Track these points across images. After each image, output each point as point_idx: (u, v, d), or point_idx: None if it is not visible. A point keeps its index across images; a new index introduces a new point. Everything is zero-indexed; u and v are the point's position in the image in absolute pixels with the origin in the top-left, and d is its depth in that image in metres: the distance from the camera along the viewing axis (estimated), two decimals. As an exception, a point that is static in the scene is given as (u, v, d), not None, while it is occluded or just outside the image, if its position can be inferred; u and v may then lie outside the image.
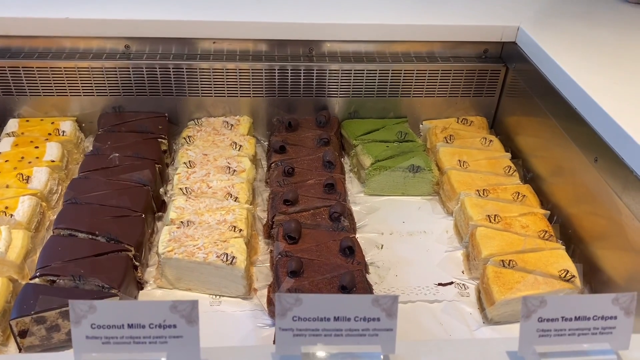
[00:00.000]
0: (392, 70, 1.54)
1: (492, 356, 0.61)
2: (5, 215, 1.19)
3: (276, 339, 0.60)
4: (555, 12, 1.58)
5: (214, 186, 1.31)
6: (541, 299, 0.60)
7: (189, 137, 1.47)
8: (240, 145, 1.45)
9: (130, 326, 0.56)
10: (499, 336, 1.08)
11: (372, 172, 1.40)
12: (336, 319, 0.58)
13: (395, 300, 0.59)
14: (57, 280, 1.05)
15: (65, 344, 1.04)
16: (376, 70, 1.53)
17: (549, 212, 1.31)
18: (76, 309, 0.56)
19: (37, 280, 1.05)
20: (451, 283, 1.21)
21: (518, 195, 1.33)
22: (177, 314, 0.56)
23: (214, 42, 1.51)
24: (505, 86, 1.59)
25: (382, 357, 0.59)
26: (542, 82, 1.37)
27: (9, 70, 1.47)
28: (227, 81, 1.53)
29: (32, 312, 0.98)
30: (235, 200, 1.28)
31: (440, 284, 1.20)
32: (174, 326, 0.56)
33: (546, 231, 1.23)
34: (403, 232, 1.33)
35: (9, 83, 1.49)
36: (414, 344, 0.62)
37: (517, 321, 1.07)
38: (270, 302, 1.14)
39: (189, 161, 1.38)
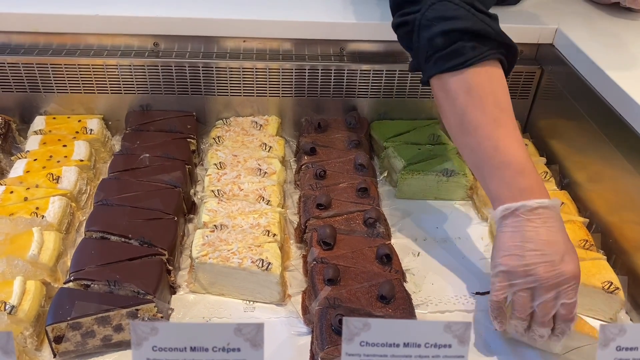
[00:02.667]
0: (425, 71, 1.51)
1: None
2: (37, 216, 1.17)
3: (342, 364, 0.58)
4: (593, 14, 1.54)
5: (246, 188, 1.29)
6: (620, 327, 0.57)
7: (218, 137, 1.45)
8: (270, 147, 1.43)
9: (192, 349, 0.54)
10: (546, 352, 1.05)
11: (404, 176, 1.37)
12: (406, 345, 0.55)
13: (469, 327, 0.56)
14: (92, 285, 1.03)
15: (100, 350, 1.02)
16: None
17: (587, 220, 1.28)
18: (138, 331, 0.54)
19: (71, 284, 1.04)
20: (489, 292, 1.18)
21: (556, 202, 1.29)
22: (242, 337, 0.54)
23: (244, 41, 1.48)
24: (539, 88, 1.55)
25: (452, 384, 0.57)
26: (582, 85, 1.33)
27: (36, 67, 1.45)
28: (256, 80, 1.50)
29: (68, 318, 0.96)
30: (267, 204, 1.25)
31: (478, 293, 1.18)
32: (238, 349, 0.54)
33: (586, 240, 1.20)
34: (437, 238, 1.31)
35: (37, 80, 1.47)
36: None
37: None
38: (305, 310, 1.12)
39: (219, 162, 1.35)
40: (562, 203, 1.29)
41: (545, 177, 1.38)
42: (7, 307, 0.97)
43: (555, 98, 1.49)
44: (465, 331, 0.56)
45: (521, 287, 0.97)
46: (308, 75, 1.50)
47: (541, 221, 0.96)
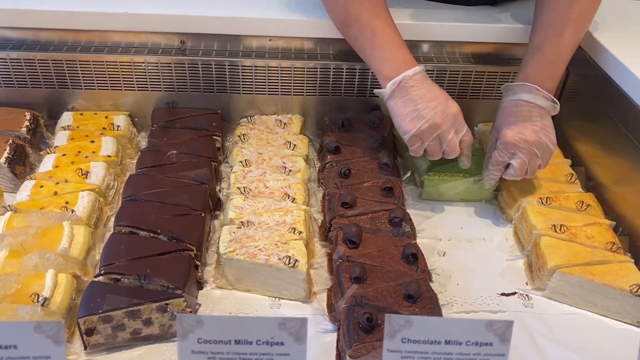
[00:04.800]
0: (450, 70, 1.51)
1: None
2: (67, 210, 1.19)
3: None
4: (621, 15, 1.53)
5: (271, 186, 1.29)
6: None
7: (243, 135, 1.46)
8: (294, 145, 1.44)
9: (237, 342, 0.55)
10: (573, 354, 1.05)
11: (431, 177, 1.37)
12: (447, 342, 0.56)
13: (510, 325, 0.57)
14: (122, 279, 1.05)
15: (129, 343, 1.04)
16: (434, 70, 1.50)
17: (614, 222, 1.27)
18: (183, 323, 0.55)
19: (101, 278, 1.05)
20: (514, 293, 1.18)
21: (582, 204, 1.29)
22: (286, 331, 0.54)
23: (269, 40, 1.49)
24: (565, 90, 1.54)
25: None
26: (610, 87, 1.33)
27: (65, 64, 1.47)
28: (281, 79, 1.51)
29: (100, 311, 0.98)
30: (292, 201, 1.26)
31: (503, 294, 1.17)
32: (282, 343, 0.55)
33: (614, 243, 1.19)
34: (462, 239, 1.31)
35: (65, 76, 1.49)
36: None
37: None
38: (330, 307, 1.12)
39: (245, 160, 1.36)
40: (589, 205, 1.28)
41: (570, 179, 1.37)
42: (40, 299, 0.99)
43: (582, 100, 1.48)
44: (507, 330, 0.56)
45: (429, 139, 1.23)
46: (333, 75, 1.51)
47: (419, 83, 1.22)
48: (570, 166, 1.43)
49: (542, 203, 1.29)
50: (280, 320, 0.56)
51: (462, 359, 0.57)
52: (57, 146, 1.40)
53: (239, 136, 1.46)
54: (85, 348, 1.02)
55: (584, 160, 1.46)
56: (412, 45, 1.49)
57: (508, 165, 1.27)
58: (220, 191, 1.39)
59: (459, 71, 1.51)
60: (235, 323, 0.55)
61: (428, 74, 1.49)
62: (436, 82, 1.50)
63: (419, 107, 1.21)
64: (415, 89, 1.22)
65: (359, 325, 0.99)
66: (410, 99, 1.21)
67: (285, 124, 1.52)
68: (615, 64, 1.31)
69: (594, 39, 1.39)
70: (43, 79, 1.49)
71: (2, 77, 1.48)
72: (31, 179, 1.29)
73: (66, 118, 1.50)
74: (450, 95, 1.24)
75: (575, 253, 1.17)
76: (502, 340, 0.55)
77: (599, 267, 1.14)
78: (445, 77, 1.52)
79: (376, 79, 1.51)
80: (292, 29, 1.45)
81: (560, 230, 1.21)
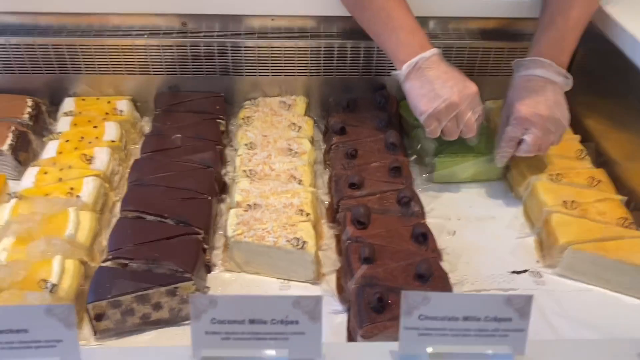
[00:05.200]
0: (456, 47, 1.48)
1: (625, 358, 0.57)
2: (72, 196, 1.18)
3: (400, 337, 0.57)
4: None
5: (277, 168, 1.28)
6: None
7: (247, 117, 1.44)
8: (299, 127, 1.42)
9: (251, 322, 0.54)
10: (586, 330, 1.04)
11: (442, 160, 1.33)
12: (465, 318, 0.55)
13: (530, 300, 0.55)
14: (130, 264, 1.04)
15: (138, 327, 1.03)
16: (440, 47, 1.46)
17: (626, 198, 1.25)
18: (197, 303, 0.54)
19: (109, 263, 1.05)
20: (525, 271, 1.17)
21: (593, 180, 1.27)
22: (300, 310, 0.53)
23: (272, 19, 1.46)
24: (574, 65, 1.51)
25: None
26: (621, 60, 1.30)
27: (65, 48, 1.45)
28: (285, 60, 1.48)
29: (109, 296, 0.97)
30: (299, 183, 1.25)
31: (514, 272, 1.16)
32: (297, 322, 0.54)
33: (626, 218, 1.18)
34: (471, 218, 1.29)
35: (66, 61, 1.47)
36: (544, 344, 0.59)
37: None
38: (340, 288, 1.11)
39: (250, 143, 1.35)
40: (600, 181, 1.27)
41: (580, 155, 1.35)
42: (48, 285, 0.99)
43: (591, 75, 1.45)
44: (527, 304, 0.55)
45: (446, 119, 1.21)
46: (337, 54, 1.48)
47: (436, 65, 1.21)
48: (580, 142, 1.41)
49: (552, 180, 1.27)
50: (294, 298, 0.55)
51: (480, 335, 0.56)
52: (60, 132, 1.38)
53: (243, 119, 1.44)
54: (95, 334, 1.01)
55: (594, 136, 1.44)
56: (418, 22, 1.46)
57: (520, 141, 1.25)
58: (225, 175, 1.37)
59: (466, 47, 1.48)
60: (249, 302, 0.54)
61: (434, 51, 1.48)
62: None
63: (435, 87, 1.19)
64: (432, 70, 1.20)
65: (370, 306, 0.98)
66: (426, 80, 1.20)
67: (289, 105, 1.50)
68: (626, 38, 1.28)
69: (604, 12, 1.36)
70: (43, 64, 1.47)
71: (2, 64, 1.46)
72: (35, 165, 1.27)
73: (68, 104, 1.48)
74: (466, 72, 1.22)
75: (587, 229, 1.15)
76: (522, 315, 0.54)
77: (611, 243, 1.12)
78: (452, 54, 1.49)
79: (382, 57, 1.50)
80: (294, 7, 1.43)
81: (571, 206, 1.20)
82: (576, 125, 1.47)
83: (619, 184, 1.31)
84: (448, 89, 1.19)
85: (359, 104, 1.50)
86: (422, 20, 1.45)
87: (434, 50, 1.22)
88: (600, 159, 1.39)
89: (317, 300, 0.55)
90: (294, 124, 1.42)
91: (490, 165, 1.35)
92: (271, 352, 0.55)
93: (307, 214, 1.17)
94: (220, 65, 1.49)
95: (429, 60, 1.20)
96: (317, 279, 1.14)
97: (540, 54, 1.24)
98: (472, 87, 1.21)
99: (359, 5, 1.26)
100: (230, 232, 1.12)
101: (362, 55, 1.49)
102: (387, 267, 1.06)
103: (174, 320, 1.04)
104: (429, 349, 0.55)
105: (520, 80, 1.26)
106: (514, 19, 1.48)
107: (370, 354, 0.60)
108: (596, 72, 1.42)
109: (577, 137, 1.43)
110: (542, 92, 1.22)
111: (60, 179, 1.23)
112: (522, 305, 0.54)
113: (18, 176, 1.31)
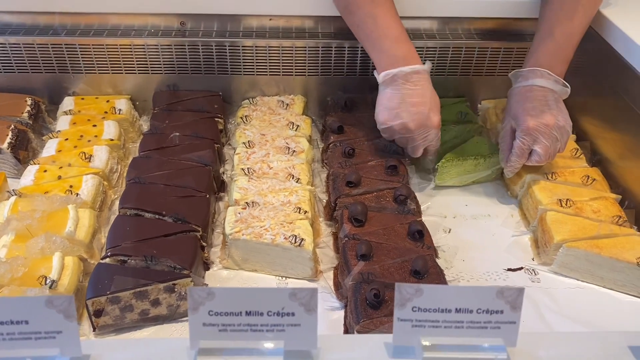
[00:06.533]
0: (453, 47, 1.49)
1: (615, 350, 0.58)
2: (71, 194, 1.19)
3: (394, 329, 0.58)
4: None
5: (275, 167, 1.29)
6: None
7: (245, 116, 1.45)
8: (297, 125, 1.43)
9: (248, 313, 0.55)
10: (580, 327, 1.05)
11: (444, 164, 1.32)
12: (458, 310, 0.56)
13: (521, 292, 0.56)
14: (128, 261, 1.05)
15: (137, 324, 1.04)
16: (436, 47, 1.49)
17: (620, 196, 1.27)
18: (194, 295, 0.55)
19: (108, 260, 1.06)
20: (521, 268, 1.18)
21: (587, 178, 1.28)
22: (296, 302, 0.54)
23: (270, 19, 1.47)
24: (569, 64, 1.52)
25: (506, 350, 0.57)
26: (615, 60, 1.31)
27: (65, 48, 1.46)
28: (282, 59, 1.50)
29: (108, 292, 0.98)
30: (297, 182, 1.26)
31: (509, 269, 1.17)
32: (292, 314, 0.55)
33: (620, 216, 1.19)
34: (467, 216, 1.31)
35: (65, 60, 1.48)
36: (535, 336, 0.60)
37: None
38: (337, 285, 1.12)
39: (248, 141, 1.36)
40: (594, 179, 1.28)
41: (575, 154, 1.37)
42: (47, 282, 0.99)
43: (586, 74, 1.46)
44: (518, 297, 0.56)
45: (397, 136, 1.27)
46: (335, 54, 1.49)
47: (413, 84, 1.20)
48: (575, 141, 1.42)
49: (548, 178, 1.29)
50: (290, 290, 0.56)
51: (473, 326, 0.57)
52: (59, 131, 1.39)
53: (241, 118, 1.45)
54: (94, 329, 1.02)
55: (589, 134, 1.45)
56: (415, 22, 1.48)
57: (530, 152, 1.23)
58: (224, 173, 1.38)
59: (462, 47, 1.50)
60: (246, 294, 0.55)
61: (430, 50, 1.49)
62: (439, 60, 1.51)
63: (401, 106, 1.21)
64: (407, 86, 1.21)
65: (367, 302, 0.99)
66: (398, 94, 1.21)
67: (287, 104, 1.51)
68: (621, 38, 1.29)
69: (599, 12, 1.37)
70: (43, 63, 1.48)
71: (1, 63, 1.47)
72: (34, 163, 1.28)
73: (67, 103, 1.49)
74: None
75: (582, 227, 1.17)
76: (513, 308, 0.55)
77: (605, 240, 1.14)
78: (448, 54, 1.50)
79: (378, 57, 1.51)
80: (292, 7, 1.44)
81: (566, 204, 1.21)
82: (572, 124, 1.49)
83: (613, 183, 1.32)
84: (410, 114, 1.21)
85: (356, 103, 1.51)
86: (420, 21, 1.48)
87: (417, 67, 1.21)
88: (595, 158, 1.40)
89: (313, 292, 0.56)
90: (292, 122, 1.43)
91: (492, 172, 1.36)
92: (268, 344, 0.56)
93: (305, 212, 1.18)
94: (218, 65, 1.50)
95: (408, 75, 1.20)
96: (314, 276, 1.15)
97: (539, 65, 1.24)
98: (434, 122, 1.22)
99: (347, 9, 1.27)
100: (228, 230, 1.13)
101: (359, 55, 1.50)
102: (383, 264, 1.07)
103: (172, 316, 1.05)
104: (423, 341, 0.57)
105: (521, 91, 1.25)
106: (510, 19, 1.49)
107: (364, 345, 0.61)
108: (591, 71, 1.43)
109: (573, 136, 1.44)
110: (544, 101, 1.21)
111: (59, 177, 1.24)
112: (513, 297, 0.55)
113: (17, 174, 1.32)
